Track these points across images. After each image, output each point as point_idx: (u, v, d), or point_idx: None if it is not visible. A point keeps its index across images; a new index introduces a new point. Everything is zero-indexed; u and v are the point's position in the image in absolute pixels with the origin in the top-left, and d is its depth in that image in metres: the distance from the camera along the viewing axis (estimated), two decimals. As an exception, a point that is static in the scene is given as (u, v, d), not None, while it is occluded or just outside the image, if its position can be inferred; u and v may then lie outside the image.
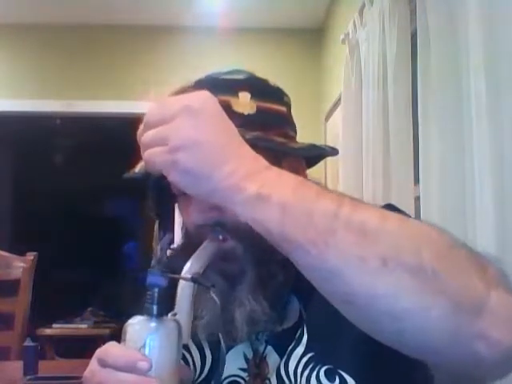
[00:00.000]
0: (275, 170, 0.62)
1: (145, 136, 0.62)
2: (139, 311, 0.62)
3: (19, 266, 2.48)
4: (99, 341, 4.27)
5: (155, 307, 0.61)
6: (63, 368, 2.27)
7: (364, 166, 2.55)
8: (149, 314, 0.61)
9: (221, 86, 0.80)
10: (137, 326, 0.62)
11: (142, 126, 0.64)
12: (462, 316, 0.56)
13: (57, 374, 1.91)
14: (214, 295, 0.67)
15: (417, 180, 2.04)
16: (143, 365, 0.58)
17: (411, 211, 1.99)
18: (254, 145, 0.64)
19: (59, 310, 4.57)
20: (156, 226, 0.68)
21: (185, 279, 0.66)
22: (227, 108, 0.77)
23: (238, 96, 0.80)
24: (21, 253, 2.55)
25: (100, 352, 0.63)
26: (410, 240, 0.58)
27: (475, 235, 1.44)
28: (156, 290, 0.62)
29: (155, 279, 0.62)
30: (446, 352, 0.58)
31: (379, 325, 0.58)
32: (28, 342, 1.92)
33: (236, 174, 0.59)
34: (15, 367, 1.93)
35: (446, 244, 0.60)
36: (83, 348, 4.25)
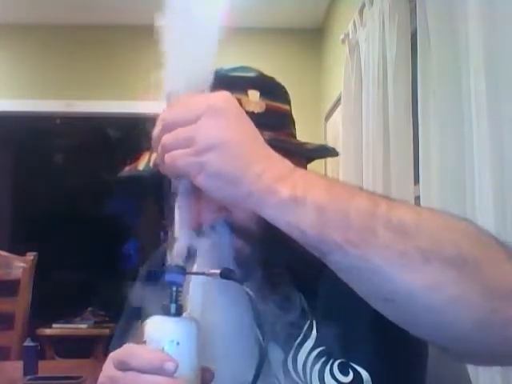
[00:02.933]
0: (301, 170, 0.61)
1: (165, 138, 0.59)
2: (156, 310, 0.60)
3: (19, 265, 2.48)
4: (99, 341, 4.27)
5: (174, 306, 0.59)
6: (63, 368, 2.27)
7: (364, 166, 2.55)
8: (167, 313, 0.59)
9: (230, 83, 0.78)
10: (157, 325, 0.59)
11: (158, 127, 0.61)
12: (498, 302, 0.57)
13: (57, 373, 1.91)
14: (247, 289, 0.63)
15: (417, 180, 2.04)
16: (170, 365, 0.56)
17: (411, 211, 1.99)
18: (271, 146, 0.62)
19: (59, 310, 4.57)
20: (174, 223, 0.65)
21: (212, 275, 0.62)
22: None
23: (247, 94, 0.79)
24: (21, 253, 2.55)
25: (118, 355, 0.59)
26: (447, 232, 0.58)
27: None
28: (174, 288, 0.59)
29: (174, 277, 0.59)
30: (481, 339, 0.58)
31: (419, 319, 0.58)
32: (28, 342, 1.93)
33: (266, 175, 0.57)
34: (15, 367, 1.93)
35: (476, 232, 0.60)
36: (83, 348, 4.25)
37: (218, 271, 0.62)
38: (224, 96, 0.61)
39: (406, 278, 0.56)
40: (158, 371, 0.56)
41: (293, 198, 0.57)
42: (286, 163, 0.61)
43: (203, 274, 0.63)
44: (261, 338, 0.64)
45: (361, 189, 0.61)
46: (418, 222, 0.58)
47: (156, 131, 0.61)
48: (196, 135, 0.57)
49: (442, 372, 0.83)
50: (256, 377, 0.68)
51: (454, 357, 0.72)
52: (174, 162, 0.58)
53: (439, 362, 0.79)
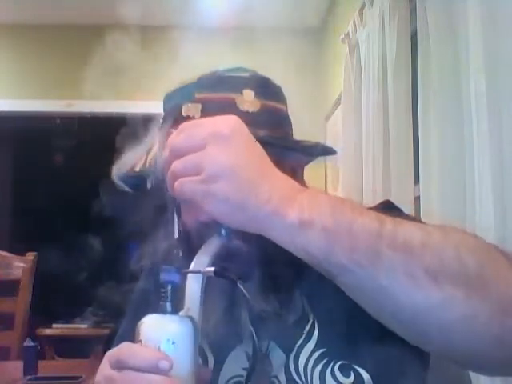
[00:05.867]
0: (307, 191, 0.62)
1: (174, 164, 0.61)
2: (152, 309, 0.60)
3: (19, 265, 2.48)
4: (99, 341, 4.27)
5: (170, 304, 0.59)
6: (63, 368, 2.28)
7: (364, 166, 2.55)
8: (163, 311, 0.59)
9: (225, 83, 0.79)
10: (152, 324, 0.59)
11: (166, 153, 0.62)
12: (507, 317, 0.57)
13: (57, 374, 1.92)
14: (242, 288, 0.64)
15: (417, 180, 2.04)
16: (165, 364, 0.56)
17: (411, 211, 1.99)
18: (268, 144, 0.63)
19: (59, 310, 4.57)
20: (175, 223, 0.66)
21: (207, 273, 0.63)
22: (232, 106, 0.77)
23: (242, 93, 0.79)
24: (21, 253, 2.55)
25: (114, 354, 0.60)
26: (453, 250, 0.59)
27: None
28: (170, 286, 0.60)
29: (169, 276, 0.60)
30: (492, 355, 0.59)
31: (427, 337, 0.59)
32: (28, 342, 1.93)
33: (273, 199, 0.58)
34: (15, 367, 1.93)
35: (483, 248, 0.61)
36: (83, 348, 4.25)
37: (212, 269, 0.63)
38: (230, 121, 0.62)
39: (414, 298, 0.57)
40: (154, 370, 0.56)
41: (300, 222, 0.58)
42: (291, 183, 0.62)
43: (198, 272, 0.63)
44: (254, 336, 0.64)
45: (366, 207, 0.62)
46: (423, 240, 0.58)
47: (165, 156, 0.63)
48: (203, 162, 0.58)
49: (443, 372, 0.83)
50: (249, 376, 0.68)
51: (467, 369, 0.73)
52: (183, 189, 0.60)
53: (440, 363, 0.79)
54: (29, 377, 1.82)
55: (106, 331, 4.30)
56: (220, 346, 0.78)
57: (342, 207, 0.60)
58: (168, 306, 0.59)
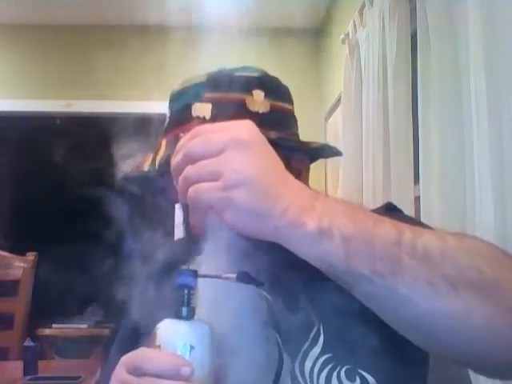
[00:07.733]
0: (322, 198, 0.60)
1: (188, 170, 0.59)
2: (168, 313, 0.59)
3: (19, 265, 2.48)
4: (99, 341, 4.27)
5: (187, 309, 0.58)
6: (63, 368, 2.28)
7: (364, 166, 2.55)
8: (180, 316, 0.58)
9: (235, 82, 0.78)
10: (170, 329, 0.58)
11: (179, 157, 0.60)
12: None
13: (57, 374, 1.92)
14: (264, 292, 0.63)
15: (417, 180, 2.04)
16: (186, 370, 0.55)
17: (411, 211, 1.99)
18: (277, 145, 0.62)
19: (59, 310, 4.56)
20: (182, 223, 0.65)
21: (227, 279, 0.61)
22: (242, 106, 0.76)
23: (252, 94, 0.79)
24: (21, 253, 2.55)
25: (131, 359, 0.58)
26: (469, 257, 0.59)
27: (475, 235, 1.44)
28: (186, 291, 0.58)
29: (186, 279, 0.59)
30: (504, 358, 0.59)
31: (447, 345, 0.59)
32: (28, 342, 1.93)
33: (291, 209, 0.57)
34: (15, 367, 1.93)
35: (495, 254, 0.61)
36: (83, 348, 4.25)
37: (233, 275, 0.61)
38: (246, 126, 0.60)
39: (434, 307, 0.56)
40: (174, 376, 0.55)
41: (319, 231, 0.57)
42: (308, 192, 0.61)
43: (218, 277, 0.62)
44: (279, 341, 0.64)
45: (383, 215, 0.61)
46: (442, 249, 0.58)
47: (176, 160, 0.61)
48: (222, 169, 0.57)
49: (443, 372, 0.83)
50: (276, 381, 0.67)
51: (477, 372, 0.73)
52: (200, 195, 0.58)
53: (440, 363, 0.79)
54: (29, 377, 1.82)
55: (106, 331, 4.30)
56: (233, 350, 0.78)
57: (359, 215, 0.59)
58: (184, 310, 0.59)
